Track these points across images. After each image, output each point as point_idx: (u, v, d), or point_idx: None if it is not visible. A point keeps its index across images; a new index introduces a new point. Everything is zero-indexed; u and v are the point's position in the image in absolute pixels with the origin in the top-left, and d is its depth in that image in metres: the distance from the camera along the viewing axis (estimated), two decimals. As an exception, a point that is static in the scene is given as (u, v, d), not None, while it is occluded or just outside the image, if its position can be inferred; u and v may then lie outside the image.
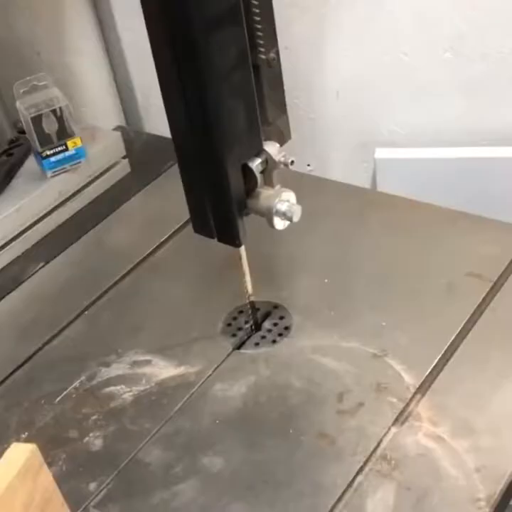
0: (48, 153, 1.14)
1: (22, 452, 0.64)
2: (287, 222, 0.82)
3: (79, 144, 1.17)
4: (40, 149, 1.13)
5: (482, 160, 1.22)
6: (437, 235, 1.01)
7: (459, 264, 0.96)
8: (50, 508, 0.67)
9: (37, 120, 1.12)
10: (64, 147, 1.16)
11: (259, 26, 0.75)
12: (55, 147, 1.15)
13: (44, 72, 1.17)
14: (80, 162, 1.18)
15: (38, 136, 1.13)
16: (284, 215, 0.81)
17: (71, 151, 1.17)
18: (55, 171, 1.16)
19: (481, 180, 1.23)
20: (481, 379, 0.82)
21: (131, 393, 0.88)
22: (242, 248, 0.85)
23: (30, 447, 0.65)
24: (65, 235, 1.17)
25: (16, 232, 1.13)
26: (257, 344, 0.92)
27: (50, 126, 1.14)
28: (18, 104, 1.13)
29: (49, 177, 1.16)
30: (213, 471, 0.78)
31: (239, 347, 0.92)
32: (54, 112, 1.13)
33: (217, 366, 0.89)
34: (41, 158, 1.14)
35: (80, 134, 1.17)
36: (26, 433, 0.86)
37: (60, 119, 1.13)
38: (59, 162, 1.16)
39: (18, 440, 0.85)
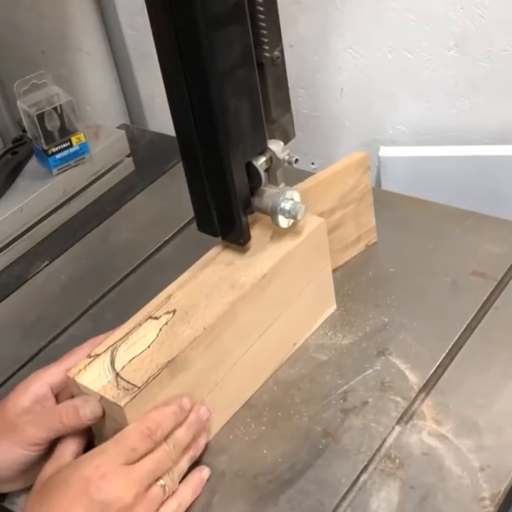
0: (54, 150, 1.15)
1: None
2: (292, 221, 0.82)
3: (82, 139, 1.17)
4: (46, 147, 1.14)
5: (487, 158, 1.22)
6: (441, 234, 1.01)
7: (463, 262, 0.96)
8: (363, 204, 0.96)
9: (40, 118, 1.12)
10: (68, 143, 1.16)
11: (263, 24, 0.75)
12: (59, 144, 1.15)
13: (47, 70, 1.17)
14: (83, 158, 1.18)
15: (44, 134, 1.13)
16: (288, 214, 0.81)
17: (75, 147, 1.17)
18: (60, 168, 1.16)
19: (486, 179, 1.23)
20: (486, 378, 0.82)
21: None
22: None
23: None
24: (69, 233, 1.17)
25: (20, 231, 1.13)
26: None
27: (53, 124, 1.14)
28: (19, 103, 1.13)
29: (54, 174, 1.16)
30: (217, 470, 0.78)
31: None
32: (55, 109, 1.13)
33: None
34: (47, 155, 1.14)
35: (83, 131, 1.17)
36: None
37: (61, 116, 1.14)
38: (64, 159, 1.16)
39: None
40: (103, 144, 1.23)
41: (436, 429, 0.78)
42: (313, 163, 1.40)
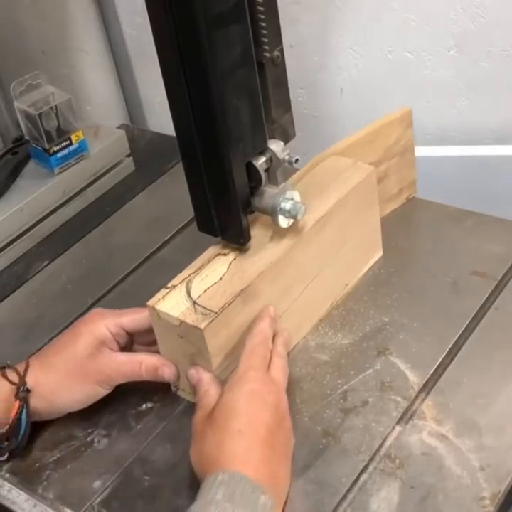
0: (55, 149, 1.15)
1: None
2: (292, 221, 0.82)
3: (81, 137, 1.18)
4: (47, 146, 1.14)
5: (487, 158, 1.22)
6: (441, 233, 1.01)
7: (464, 262, 0.96)
8: (406, 157, 1.02)
9: (40, 118, 1.12)
10: (68, 141, 1.16)
11: (263, 24, 0.75)
12: (60, 143, 1.15)
13: (47, 70, 1.17)
14: (82, 156, 1.18)
15: (45, 133, 1.13)
16: (288, 213, 0.81)
17: (75, 145, 1.17)
18: (61, 167, 1.17)
19: (486, 179, 1.23)
20: (486, 377, 0.82)
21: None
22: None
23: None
24: (69, 233, 1.17)
25: (20, 231, 1.13)
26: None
27: (51, 124, 1.14)
28: (16, 104, 1.13)
29: (56, 173, 1.16)
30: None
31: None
32: (51, 109, 1.13)
33: (222, 364, 0.89)
34: (48, 155, 1.14)
35: (81, 129, 1.18)
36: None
37: (57, 116, 1.14)
38: (64, 157, 1.16)
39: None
40: (103, 144, 1.23)
41: (437, 429, 0.78)
42: (313, 163, 1.40)
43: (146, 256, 1.08)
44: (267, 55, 0.77)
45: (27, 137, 1.17)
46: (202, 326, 0.76)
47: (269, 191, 0.81)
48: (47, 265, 1.11)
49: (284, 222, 0.82)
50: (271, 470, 0.72)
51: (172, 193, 1.18)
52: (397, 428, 0.79)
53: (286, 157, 0.81)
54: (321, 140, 1.38)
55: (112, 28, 1.47)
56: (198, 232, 0.85)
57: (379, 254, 0.99)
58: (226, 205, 0.80)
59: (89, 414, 0.86)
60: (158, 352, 0.84)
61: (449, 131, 1.27)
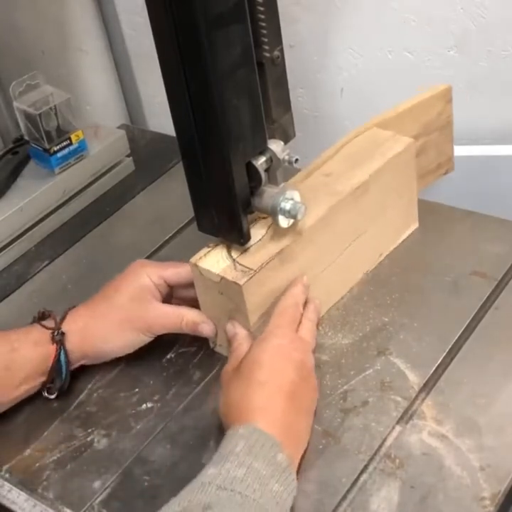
0: (55, 149, 1.15)
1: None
2: (292, 220, 0.82)
3: (81, 136, 1.18)
4: (48, 146, 1.14)
5: (487, 158, 1.22)
6: (442, 233, 1.01)
7: (464, 262, 0.96)
8: (444, 133, 1.04)
9: (41, 118, 1.12)
10: (68, 141, 1.16)
11: (263, 24, 0.75)
12: (60, 142, 1.15)
13: (47, 70, 1.17)
14: (82, 155, 1.19)
15: (45, 133, 1.13)
16: (288, 213, 0.81)
17: (75, 145, 1.17)
18: (61, 167, 1.17)
19: (486, 179, 1.22)
20: (486, 378, 0.82)
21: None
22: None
23: None
24: (69, 233, 1.17)
25: (20, 231, 1.13)
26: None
27: (51, 123, 1.14)
28: (16, 104, 1.13)
29: (56, 173, 1.16)
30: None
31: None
32: (51, 109, 1.13)
33: (221, 364, 0.89)
34: (49, 155, 1.14)
35: (80, 128, 1.18)
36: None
37: (56, 116, 1.14)
38: (64, 157, 1.17)
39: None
40: (103, 144, 1.23)
41: (437, 429, 0.78)
42: (313, 163, 1.40)
43: (146, 256, 1.08)
44: (267, 55, 0.77)
45: (27, 137, 1.17)
46: (241, 282, 0.80)
47: (269, 191, 0.81)
48: (47, 265, 1.11)
49: (284, 222, 0.82)
50: (290, 422, 0.74)
51: (172, 193, 1.18)
52: (397, 428, 0.79)
53: (286, 157, 0.81)
54: (321, 140, 1.38)
55: (111, 27, 1.47)
56: (198, 232, 0.85)
57: (415, 225, 1.02)
58: (226, 205, 0.80)
59: (90, 414, 0.86)
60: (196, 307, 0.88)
61: (449, 131, 1.27)
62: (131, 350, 0.87)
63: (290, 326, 0.82)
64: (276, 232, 0.84)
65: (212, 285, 0.82)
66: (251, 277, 0.80)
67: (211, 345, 0.90)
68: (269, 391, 0.75)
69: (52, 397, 0.87)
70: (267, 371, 0.76)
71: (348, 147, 0.96)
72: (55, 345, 0.84)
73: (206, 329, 0.86)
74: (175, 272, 0.87)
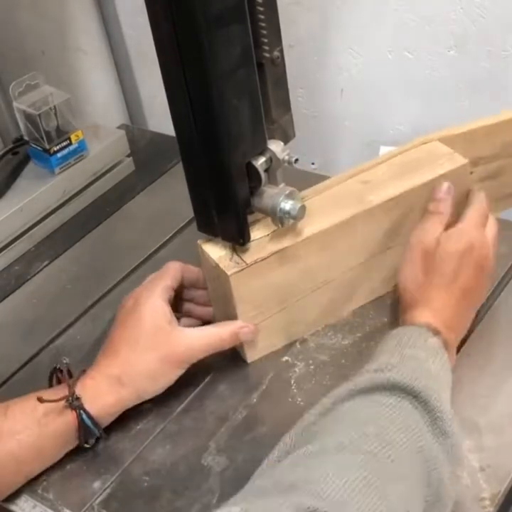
0: (55, 149, 1.15)
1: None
2: (291, 221, 0.82)
3: (81, 136, 1.18)
4: (48, 146, 1.14)
5: (487, 158, 1.22)
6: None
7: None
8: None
9: (41, 118, 1.12)
10: (68, 141, 1.16)
11: (263, 24, 0.75)
12: (60, 142, 1.15)
13: (47, 70, 1.17)
14: (82, 155, 1.19)
15: (45, 134, 1.13)
16: (288, 214, 0.81)
17: (75, 145, 1.17)
18: (61, 167, 1.17)
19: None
20: (486, 377, 0.82)
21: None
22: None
23: None
24: (69, 233, 1.17)
25: (20, 231, 1.13)
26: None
27: (51, 124, 1.14)
28: (15, 104, 1.13)
29: (56, 173, 1.16)
30: (217, 470, 0.78)
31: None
32: (50, 109, 1.13)
33: (221, 365, 0.89)
34: (49, 155, 1.14)
35: (80, 128, 1.18)
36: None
37: (56, 116, 1.14)
38: (64, 157, 1.17)
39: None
40: (103, 144, 1.23)
41: (437, 429, 0.78)
42: (313, 163, 1.40)
43: (146, 256, 1.08)
44: (267, 55, 0.77)
45: (26, 138, 1.17)
46: (229, 272, 0.81)
47: (268, 191, 0.81)
48: (47, 265, 1.11)
49: (283, 222, 0.82)
50: (457, 316, 0.80)
51: (172, 193, 1.18)
52: (397, 428, 0.79)
53: (286, 157, 0.81)
54: (321, 140, 1.38)
55: (111, 28, 1.47)
56: (198, 232, 0.85)
57: None
58: (226, 205, 0.80)
59: (89, 414, 0.86)
60: (199, 307, 0.90)
61: (449, 131, 1.27)
62: (170, 385, 0.83)
63: (483, 224, 0.85)
64: (290, 229, 0.84)
65: (212, 269, 0.84)
66: (241, 270, 0.81)
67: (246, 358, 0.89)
68: (447, 287, 0.80)
69: (89, 445, 0.81)
70: (452, 266, 0.80)
71: (400, 157, 0.92)
72: (73, 411, 0.78)
73: (247, 333, 0.84)
74: (173, 276, 0.87)
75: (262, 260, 0.82)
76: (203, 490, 0.77)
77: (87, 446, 0.81)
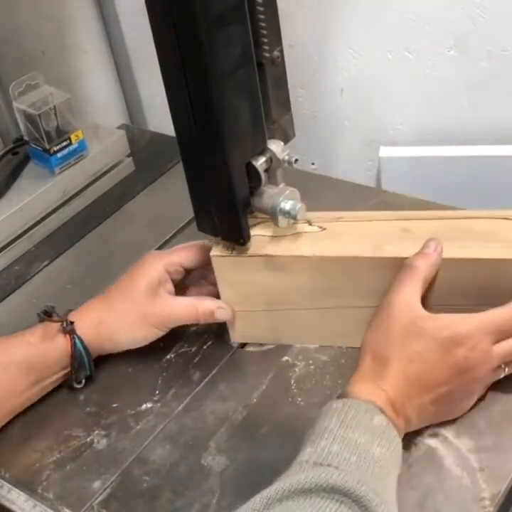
0: (55, 149, 1.15)
1: None
2: (291, 221, 0.82)
3: (81, 136, 1.18)
4: (48, 146, 1.14)
5: (487, 158, 1.22)
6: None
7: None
8: None
9: (41, 118, 1.12)
10: (68, 141, 1.16)
11: (263, 24, 0.75)
12: (60, 142, 1.15)
13: (47, 70, 1.17)
14: (82, 155, 1.19)
15: (45, 134, 1.13)
16: (288, 214, 0.81)
17: (75, 145, 1.17)
18: (61, 167, 1.17)
19: (486, 179, 1.22)
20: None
21: (135, 391, 0.89)
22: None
23: None
24: (69, 233, 1.17)
25: (20, 231, 1.13)
26: (260, 343, 0.92)
27: (51, 124, 1.14)
28: (15, 104, 1.13)
29: (56, 173, 1.16)
30: (217, 470, 0.78)
31: (243, 346, 0.92)
32: (50, 109, 1.13)
33: (221, 365, 0.89)
34: (49, 155, 1.14)
35: (80, 128, 1.18)
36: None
37: (56, 116, 1.14)
38: (64, 157, 1.17)
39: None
40: (103, 144, 1.23)
41: (436, 430, 0.78)
42: (313, 163, 1.40)
43: (146, 256, 1.08)
44: (267, 55, 0.77)
45: (26, 138, 1.17)
46: (212, 253, 0.84)
47: (268, 191, 0.81)
48: (47, 265, 1.11)
49: (283, 222, 0.82)
50: (411, 404, 0.72)
51: (172, 193, 1.18)
52: (397, 428, 0.79)
53: (286, 157, 0.81)
54: (321, 140, 1.38)
55: (111, 28, 1.47)
56: (198, 232, 0.85)
57: None
58: (226, 205, 0.80)
59: (89, 414, 0.86)
60: (210, 287, 0.90)
61: (448, 131, 1.27)
62: (146, 343, 0.88)
63: (499, 331, 0.73)
64: (295, 240, 0.83)
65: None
66: (223, 256, 0.83)
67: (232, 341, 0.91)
68: (407, 370, 0.72)
69: (80, 386, 0.88)
70: (421, 350, 0.72)
71: (464, 222, 0.82)
72: (67, 335, 0.85)
73: (222, 314, 0.87)
74: (185, 254, 0.89)
75: (248, 257, 0.82)
76: (203, 490, 0.77)
77: (77, 386, 0.88)
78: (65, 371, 0.87)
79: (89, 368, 0.87)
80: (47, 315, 0.87)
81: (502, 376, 0.77)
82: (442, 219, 0.83)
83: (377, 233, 0.82)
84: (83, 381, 0.89)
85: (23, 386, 0.85)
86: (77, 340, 0.85)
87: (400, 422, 0.72)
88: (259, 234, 0.84)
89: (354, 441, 0.67)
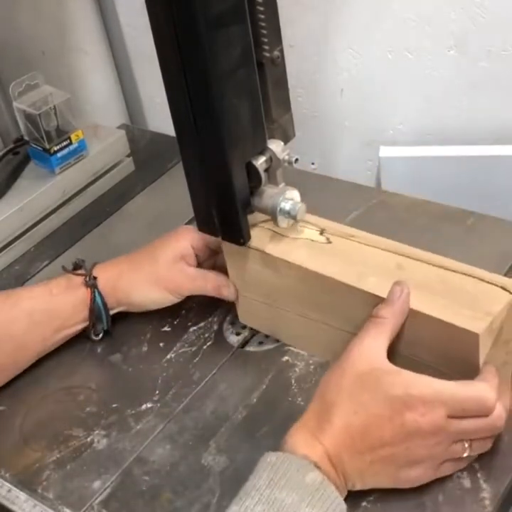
0: (55, 149, 1.15)
1: None
2: (291, 221, 0.82)
3: (81, 136, 1.18)
4: (48, 146, 1.14)
5: (487, 158, 1.22)
6: (441, 233, 1.00)
7: (463, 262, 0.95)
8: None
9: (41, 118, 1.12)
10: (68, 141, 1.16)
11: (263, 24, 0.75)
12: (60, 142, 1.15)
13: (47, 70, 1.17)
14: (82, 155, 1.19)
15: (45, 133, 1.13)
16: (288, 214, 0.81)
17: (75, 145, 1.17)
18: (61, 167, 1.17)
19: (486, 179, 1.22)
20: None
21: (135, 391, 0.89)
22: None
23: None
24: (69, 233, 1.17)
25: (20, 231, 1.13)
26: (260, 343, 0.92)
27: (51, 123, 1.14)
28: (15, 104, 1.13)
29: (56, 173, 1.16)
30: (217, 470, 0.78)
31: (243, 345, 0.92)
32: (50, 109, 1.13)
33: (221, 365, 0.89)
34: (49, 155, 1.14)
35: (80, 128, 1.18)
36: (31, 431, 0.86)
37: (56, 115, 1.14)
38: (64, 157, 1.17)
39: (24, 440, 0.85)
40: (103, 144, 1.23)
41: (436, 429, 0.78)
42: (313, 163, 1.40)
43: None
44: (267, 55, 0.77)
45: (26, 138, 1.17)
46: (224, 246, 0.86)
47: (268, 191, 0.81)
48: (47, 265, 1.11)
49: (283, 222, 0.82)
50: (353, 465, 0.68)
51: (172, 193, 1.18)
52: (397, 428, 0.79)
53: (286, 157, 0.81)
54: (321, 140, 1.38)
55: (111, 28, 1.47)
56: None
57: None
58: (226, 205, 0.80)
59: (89, 414, 0.86)
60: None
61: (448, 131, 1.27)
62: (159, 307, 0.92)
63: (443, 407, 0.67)
64: (295, 246, 0.83)
65: None
66: (231, 246, 0.84)
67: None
68: (350, 426, 0.68)
69: (98, 338, 0.93)
70: (376, 404, 0.68)
71: (459, 278, 0.76)
72: (88, 289, 0.89)
73: (226, 292, 0.90)
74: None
75: (252, 250, 0.84)
76: (203, 490, 0.77)
77: (95, 338, 0.93)
78: (86, 323, 0.91)
79: (106, 323, 0.92)
80: (76, 268, 0.92)
81: (464, 455, 0.71)
82: (441, 268, 0.78)
83: (372, 262, 0.79)
84: (101, 334, 0.93)
85: (48, 333, 0.89)
86: (97, 295, 0.90)
87: (339, 477, 0.68)
88: (269, 228, 0.85)
89: (280, 501, 0.64)
